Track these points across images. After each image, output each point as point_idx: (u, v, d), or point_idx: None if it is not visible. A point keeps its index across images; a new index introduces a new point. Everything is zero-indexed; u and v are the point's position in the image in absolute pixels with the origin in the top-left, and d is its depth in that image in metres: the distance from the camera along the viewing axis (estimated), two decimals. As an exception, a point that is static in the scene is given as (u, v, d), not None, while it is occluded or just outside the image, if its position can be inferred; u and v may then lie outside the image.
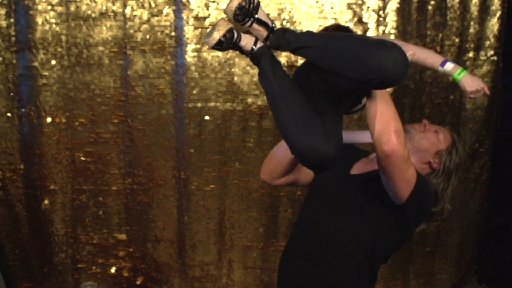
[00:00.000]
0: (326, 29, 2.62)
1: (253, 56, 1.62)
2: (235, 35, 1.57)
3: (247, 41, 1.60)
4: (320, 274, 1.91)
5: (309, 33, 1.64)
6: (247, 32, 1.61)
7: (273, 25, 1.59)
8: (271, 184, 2.18)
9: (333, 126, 1.66)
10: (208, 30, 1.61)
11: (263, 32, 1.58)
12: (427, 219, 1.97)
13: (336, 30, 2.52)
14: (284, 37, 1.57)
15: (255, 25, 1.57)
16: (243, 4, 1.53)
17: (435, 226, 3.48)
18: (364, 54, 1.54)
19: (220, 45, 1.57)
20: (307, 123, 1.62)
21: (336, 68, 1.59)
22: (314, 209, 1.98)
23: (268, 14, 1.61)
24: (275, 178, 2.11)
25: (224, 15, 1.59)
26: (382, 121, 1.68)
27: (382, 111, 1.69)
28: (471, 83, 1.96)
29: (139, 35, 3.26)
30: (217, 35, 1.54)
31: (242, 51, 1.63)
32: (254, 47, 1.61)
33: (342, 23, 3.31)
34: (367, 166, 2.02)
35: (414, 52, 1.90)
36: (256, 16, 1.56)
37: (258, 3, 1.57)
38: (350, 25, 3.32)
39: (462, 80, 1.95)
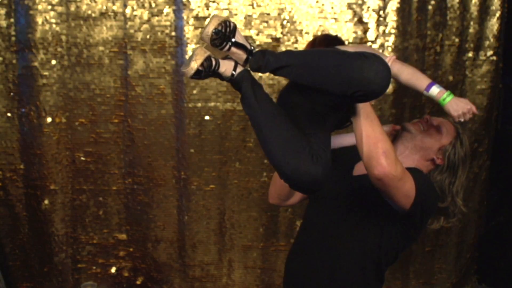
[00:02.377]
0: (314, 40, 2.57)
1: (234, 82, 1.60)
2: (214, 62, 1.54)
3: (226, 67, 1.57)
4: (326, 276, 1.91)
5: (288, 52, 1.62)
6: (226, 57, 1.59)
7: (252, 47, 1.56)
8: (283, 206, 2.18)
9: (320, 147, 1.64)
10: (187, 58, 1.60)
11: (242, 55, 1.55)
12: (444, 215, 1.95)
13: (325, 40, 2.48)
14: (263, 59, 1.54)
15: (233, 49, 1.53)
16: (219, 28, 1.50)
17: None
18: (345, 67, 1.52)
19: (198, 75, 1.54)
20: (292, 146, 1.60)
21: (318, 84, 1.57)
22: (319, 212, 1.97)
23: (245, 37, 1.59)
24: (284, 200, 2.13)
25: (202, 43, 1.57)
26: (368, 144, 1.66)
27: (368, 134, 1.67)
28: (456, 106, 1.85)
29: (139, 35, 3.26)
30: (194, 65, 1.51)
31: (222, 78, 1.60)
32: (234, 72, 1.58)
33: (342, 23, 3.32)
34: None
35: (393, 57, 1.88)
36: (234, 39, 1.53)
37: (235, 26, 1.54)
38: (350, 25, 3.32)
39: (447, 105, 1.87)
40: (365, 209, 1.83)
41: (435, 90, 1.86)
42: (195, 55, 1.52)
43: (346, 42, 3.32)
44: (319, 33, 3.32)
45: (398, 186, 1.68)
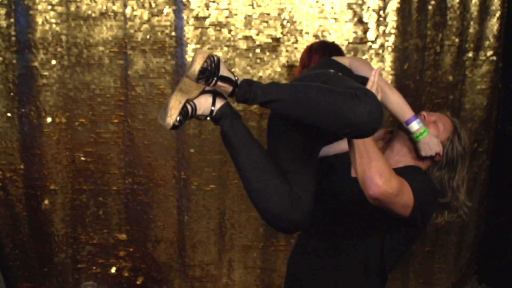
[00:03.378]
0: (311, 46, 2.56)
1: (214, 119, 1.59)
2: (190, 109, 1.53)
3: (204, 107, 1.56)
4: (329, 278, 1.91)
5: (275, 85, 1.57)
6: (203, 91, 1.57)
7: (236, 78, 1.54)
8: None
9: (302, 188, 1.65)
10: (162, 108, 1.54)
11: (228, 88, 1.53)
12: (447, 210, 1.96)
13: (321, 47, 2.48)
14: (250, 91, 1.52)
15: (219, 83, 1.52)
16: (205, 66, 1.48)
17: (435, 225, 3.51)
18: (337, 108, 1.50)
19: (177, 128, 1.52)
20: (271, 191, 1.60)
21: (308, 121, 1.56)
22: (320, 213, 1.97)
23: (229, 69, 1.56)
24: None
25: (176, 90, 1.53)
26: (362, 164, 1.66)
27: (361, 153, 1.67)
28: (428, 148, 1.91)
29: (140, 35, 3.26)
30: (170, 121, 1.50)
31: (200, 119, 1.59)
32: (213, 108, 1.57)
33: (343, 23, 3.32)
34: None
35: (380, 68, 1.85)
36: (219, 74, 1.51)
37: (219, 59, 1.52)
38: (350, 25, 3.32)
39: (420, 143, 1.91)
40: (366, 211, 1.82)
41: (415, 126, 1.89)
42: (170, 109, 1.49)
43: (346, 42, 3.33)
44: (319, 33, 3.32)
45: (395, 201, 1.69)
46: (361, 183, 1.68)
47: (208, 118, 1.61)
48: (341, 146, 2.17)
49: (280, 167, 1.70)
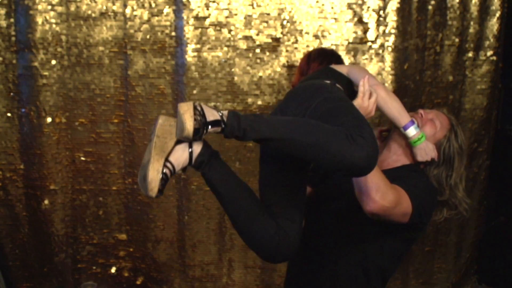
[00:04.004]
0: (309, 54, 2.54)
1: (194, 167, 1.57)
2: (169, 173, 1.50)
3: (182, 160, 1.52)
4: (329, 279, 1.91)
5: (264, 121, 1.52)
6: (177, 142, 1.53)
7: (221, 114, 1.48)
8: None
9: (288, 220, 1.66)
10: (141, 173, 1.50)
11: (217, 129, 1.49)
12: (446, 207, 1.96)
13: (320, 55, 2.46)
14: (239, 128, 1.48)
15: (210, 129, 1.48)
16: (197, 126, 1.44)
17: (435, 225, 3.52)
18: (333, 151, 1.47)
19: (160, 193, 1.50)
20: (258, 233, 1.62)
21: (302, 159, 1.56)
22: (320, 215, 1.97)
23: (211, 106, 1.52)
24: None
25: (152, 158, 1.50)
26: (358, 181, 1.68)
27: None
28: (424, 153, 1.92)
29: (139, 35, 3.26)
30: (152, 194, 1.48)
31: (179, 173, 1.58)
32: (190, 157, 1.53)
33: (343, 23, 3.32)
34: None
35: (366, 79, 1.87)
36: (208, 122, 1.46)
37: (202, 107, 1.47)
38: (350, 25, 3.32)
39: (416, 148, 1.92)
40: (363, 214, 1.80)
41: (412, 131, 1.89)
42: (149, 183, 1.46)
43: (346, 42, 3.33)
44: (319, 33, 3.32)
45: (394, 213, 1.71)
46: (358, 198, 1.69)
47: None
48: None
49: (268, 198, 1.72)
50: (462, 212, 1.99)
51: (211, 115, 1.47)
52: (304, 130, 1.51)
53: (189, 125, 1.43)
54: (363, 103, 1.84)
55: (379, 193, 1.64)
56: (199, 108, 1.46)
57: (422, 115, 1.99)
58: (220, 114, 1.48)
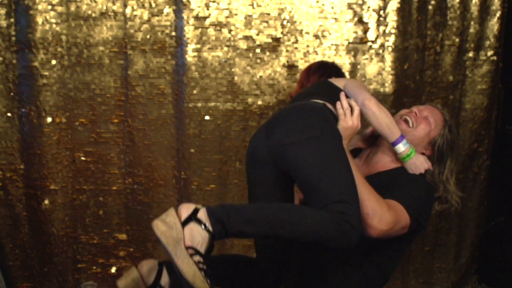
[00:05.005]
0: (309, 67, 2.53)
1: (221, 238, 1.54)
2: (199, 258, 1.46)
3: (201, 238, 1.49)
4: (328, 278, 1.91)
5: (248, 221, 1.52)
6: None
7: (208, 228, 1.48)
8: None
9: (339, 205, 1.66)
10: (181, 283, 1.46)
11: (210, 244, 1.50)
12: (437, 201, 1.98)
13: (320, 68, 2.45)
14: (227, 235, 1.50)
15: (204, 260, 1.48)
16: (203, 275, 1.43)
17: (435, 225, 3.52)
18: (321, 241, 1.53)
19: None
20: (317, 222, 1.60)
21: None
22: None
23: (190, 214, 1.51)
24: None
25: None
26: None
27: None
28: (415, 167, 1.92)
29: (140, 35, 3.26)
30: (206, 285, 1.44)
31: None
32: (207, 228, 1.50)
33: (343, 23, 3.32)
34: (360, 169, 2.02)
35: (343, 97, 1.89)
36: (204, 253, 1.47)
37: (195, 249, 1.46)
38: (350, 25, 3.32)
39: (406, 164, 1.93)
40: None
41: (400, 148, 1.89)
42: (193, 282, 1.41)
43: (346, 42, 3.33)
44: (319, 33, 3.32)
45: (393, 231, 1.73)
46: None
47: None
48: None
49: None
50: (454, 205, 2.00)
51: (202, 241, 1.46)
52: (290, 226, 1.53)
53: (195, 277, 1.41)
54: (347, 123, 1.85)
55: (376, 218, 1.66)
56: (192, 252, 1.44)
57: (416, 113, 1.99)
58: (208, 229, 1.47)
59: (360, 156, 2.12)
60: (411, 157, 1.90)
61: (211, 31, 3.27)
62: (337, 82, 2.03)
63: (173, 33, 3.27)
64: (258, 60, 3.32)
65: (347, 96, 1.92)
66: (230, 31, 3.28)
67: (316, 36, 3.32)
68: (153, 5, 3.24)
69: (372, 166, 2.02)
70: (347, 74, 3.33)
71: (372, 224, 1.65)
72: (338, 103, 1.87)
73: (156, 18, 3.25)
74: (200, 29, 3.26)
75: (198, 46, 3.27)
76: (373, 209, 1.66)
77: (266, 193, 1.83)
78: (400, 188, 1.81)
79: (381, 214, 1.66)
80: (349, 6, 3.31)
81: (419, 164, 1.91)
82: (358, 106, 1.87)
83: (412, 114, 1.99)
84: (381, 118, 1.87)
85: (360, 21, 3.33)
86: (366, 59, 3.35)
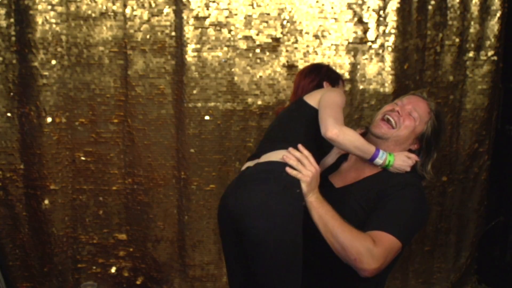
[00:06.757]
0: (303, 70, 2.51)
1: None
2: None
3: None
4: (326, 285, 1.91)
5: None
6: None
7: None
8: None
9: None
10: None
11: None
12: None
13: (313, 71, 2.42)
14: None
15: None
16: None
17: (434, 225, 3.52)
18: None
19: None
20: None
21: None
22: (312, 225, 1.96)
23: None
24: None
25: None
26: (341, 255, 1.72)
27: (335, 247, 1.72)
28: (395, 170, 1.93)
29: (139, 35, 3.26)
30: None
31: None
32: None
33: (343, 23, 3.32)
34: (348, 175, 2.02)
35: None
36: None
37: None
38: (350, 25, 3.32)
39: (391, 170, 1.92)
40: (353, 221, 1.80)
41: (378, 162, 1.89)
42: None
43: (346, 42, 3.33)
44: (319, 33, 3.32)
45: (387, 262, 1.72)
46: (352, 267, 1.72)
47: None
48: (327, 160, 2.18)
49: None
50: (429, 180, 2.02)
51: None
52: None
53: None
54: (305, 176, 1.79)
55: (364, 260, 1.65)
56: None
57: (399, 112, 1.96)
58: None
59: (349, 159, 2.11)
60: (391, 163, 1.90)
61: (211, 31, 3.27)
62: (313, 97, 2.00)
63: (173, 33, 3.27)
64: (258, 60, 3.32)
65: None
66: (230, 31, 3.28)
67: (316, 36, 3.32)
68: (153, 5, 3.24)
69: (360, 170, 2.00)
70: (346, 74, 3.33)
71: (362, 267, 1.65)
72: (292, 160, 1.80)
73: (156, 18, 3.25)
74: (200, 29, 3.26)
75: (198, 46, 3.27)
76: (359, 253, 1.65)
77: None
78: (386, 207, 1.78)
79: (368, 255, 1.65)
80: (349, 6, 3.31)
81: (403, 163, 1.91)
82: (306, 151, 1.82)
83: (394, 114, 1.96)
84: (348, 144, 1.84)
85: (360, 21, 3.33)
86: (366, 59, 3.35)
